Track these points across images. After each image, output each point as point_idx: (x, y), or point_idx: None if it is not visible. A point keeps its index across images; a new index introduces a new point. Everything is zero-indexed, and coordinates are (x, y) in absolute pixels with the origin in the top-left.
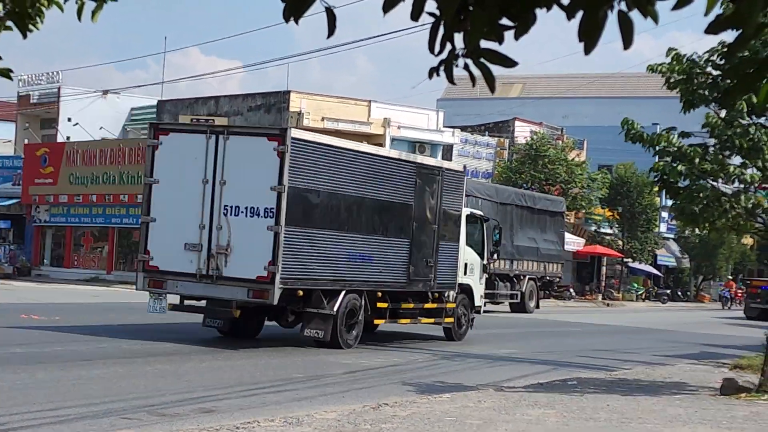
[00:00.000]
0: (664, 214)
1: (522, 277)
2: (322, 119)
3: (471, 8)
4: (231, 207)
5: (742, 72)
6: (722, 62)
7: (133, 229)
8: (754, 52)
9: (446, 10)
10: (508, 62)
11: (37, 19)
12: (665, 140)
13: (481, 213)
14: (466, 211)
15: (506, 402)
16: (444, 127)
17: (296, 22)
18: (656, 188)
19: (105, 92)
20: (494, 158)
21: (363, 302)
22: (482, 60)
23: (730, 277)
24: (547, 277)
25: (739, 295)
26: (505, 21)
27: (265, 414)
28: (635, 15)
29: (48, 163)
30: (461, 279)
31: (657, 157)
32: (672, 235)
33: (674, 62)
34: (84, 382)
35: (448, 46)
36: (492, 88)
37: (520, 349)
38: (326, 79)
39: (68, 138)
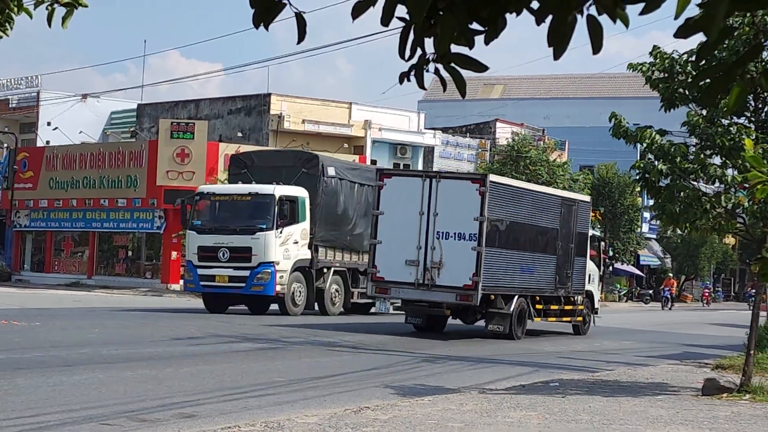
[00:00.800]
0: (646, 214)
1: None
2: (303, 122)
3: (441, 13)
4: (442, 233)
5: (715, 74)
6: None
7: (113, 233)
8: (735, 52)
9: (416, 15)
10: (479, 67)
11: (7, 25)
12: (648, 137)
13: (599, 233)
14: (590, 233)
15: (488, 404)
16: (425, 128)
17: (266, 28)
18: (638, 188)
19: (84, 96)
20: (476, 160)
21: (527, 304)
22: (453, 65)
23: (670, 275)
24: None
25: (705, 295)
26: (475, 25)
27: (246, 418)
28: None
29: (28, 168)
30: (586, 286)
31: (640, 155)
32: (654, 236)
33: (656, 60)
34: (64, 388)
35: (419, 51)
36: (462, 93)
37: (501, 350)
38: (307, 81)
39: (48, 142)
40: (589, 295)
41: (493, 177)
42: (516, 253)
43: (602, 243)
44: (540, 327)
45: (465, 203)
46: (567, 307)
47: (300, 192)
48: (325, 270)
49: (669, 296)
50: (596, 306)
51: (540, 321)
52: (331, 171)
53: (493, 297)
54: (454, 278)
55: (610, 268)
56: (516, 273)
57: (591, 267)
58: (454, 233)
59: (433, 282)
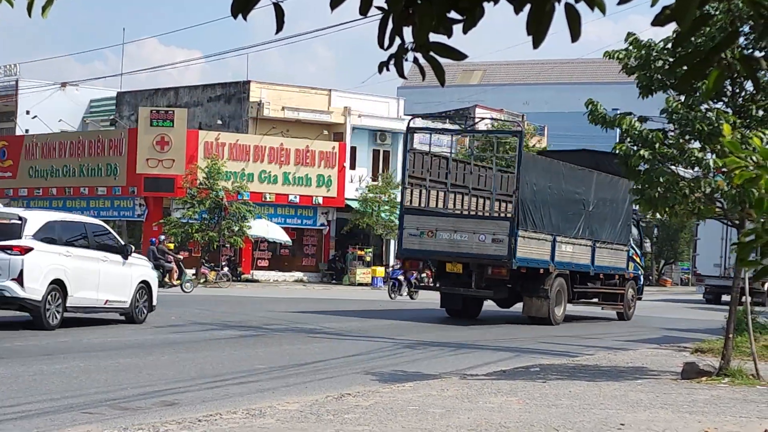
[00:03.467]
0: None
1: None
2: (283, 109)
3: (419, 2)
4: None
5: (692, 61)
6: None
7: None
8: (710, 38)
9: (394, 4)
10: (458, 55)
11: None
12: (627, 124)
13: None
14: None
15: (469, 390)
16: (404, 115)
17: (244, 18)
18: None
19: (64, 84)
20: (455, 146)
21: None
22: (432, 53)
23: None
24: None
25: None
26: (453, 14)
27: (228, 406)
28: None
29: (7, 157)
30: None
31: (619, 138)
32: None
33: (632, 48)
34: (45, 376)
35: (398, 40)
36: (442, 82)
37: (481, 336)
38: (286, 68)
39: (27, 131)
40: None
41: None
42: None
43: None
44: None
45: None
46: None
47: None
48: None
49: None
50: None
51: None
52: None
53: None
54: None
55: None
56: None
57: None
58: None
59: None
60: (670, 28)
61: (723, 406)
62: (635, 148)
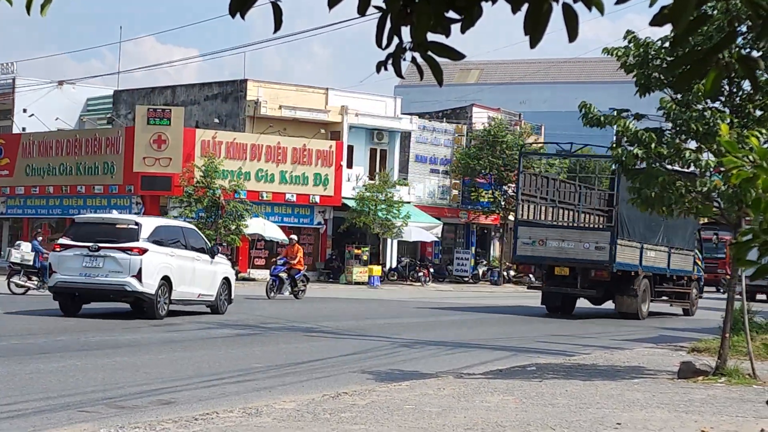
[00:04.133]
0: None
1: None
2: (280, 107)
3: (417, 1)
4: None
5: (691, 60)
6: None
7: None
8: (708, 37)
9: (392, 3)
10: (456, 55)
11: None
12: (620, 125)
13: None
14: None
15: (465, 389)
16: (402, 114)
17: (242, 17)
18: (613, 167)
19: (60, 83)
20: (452, 145)
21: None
22: (430, 53)
23: None
24: None
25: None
26: (451, 14)
27: (225, 404)
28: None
29: (4, 155)
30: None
31: (617, 140)
32: None
33: (631, 45)
34: (41, 375)
35: (396, 40)
36: (440, 82)
37: (479, 335)
38: (284, 66)
39: (24, 129)
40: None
41: None
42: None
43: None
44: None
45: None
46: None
47: None
48: None
49: None
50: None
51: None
52: None
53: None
54: None
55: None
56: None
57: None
58: None
59: None
60: (668, 27)
61: (719, 406)
62: (629, 147)
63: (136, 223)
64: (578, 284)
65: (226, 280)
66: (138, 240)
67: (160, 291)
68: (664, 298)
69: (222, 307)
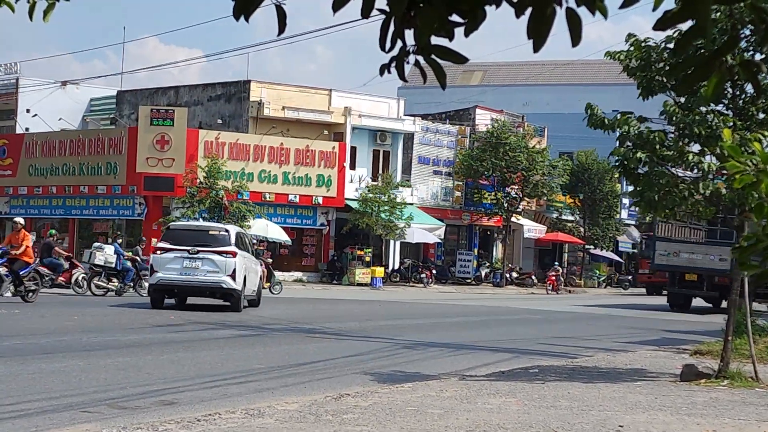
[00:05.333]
0: (626, 201)
1: None
2: (283, 108)
3: (421, 5)
4: None
5: (694, 64)
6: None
7: (93, 220)
8: (711, 41)
9: (396, 6)
10: (459, 58)
11: None
12: (624, 126)
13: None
14: None
15: (468, 391)
16: (405, 115)
17: (246, 20)
18: (617, 174)
19: (64, 83)
20: (455, 146)
21: None
22: (433, 56)
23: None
24: None
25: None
26: (455, 17)
27: (227, 405)
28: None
29: (7, 155)
30: None
31: (619, 141)
32: (633, 222)
33: (633, 49)
34: (44, 375)
35: (399, 43)
36: (443, 85)
37: (481, 337)
38: (287, 67)
39: (27, 129)
40: None
41: None
42: None
43: None
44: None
45: None
46: None
47: None
48: None
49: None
50: None
51: None
52: None
53: None
54: None
55: None
56: None
57: None
58: None
59: None
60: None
61: (722, 409)
62: (633, 150)
63: (227, 230)
64: (704, 288)
65: (260, 279)
66: (231, 245)
67: (242, 288)
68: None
69: (259, 301)
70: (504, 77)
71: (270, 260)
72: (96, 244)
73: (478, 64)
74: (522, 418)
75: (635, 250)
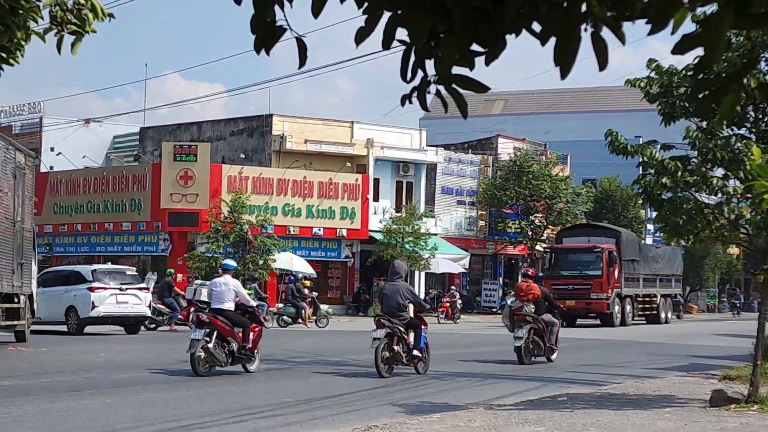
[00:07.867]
0: (650, 227)
1: None
2: (305, 142)
3: (441, 35)
4: None
5: (712, 87)
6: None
7: (118, 257)
8: (732, 64)
9: (417, 37)
10: (480, 87)
11: (17, 53)
12: (647, 155)
13: None
14: None
15: (496, 420)
16: (427, 146)
17: (267, 53)
18: (640, 201)
19: (87, 121)
20: (478, 176)
21: None
22: (454, 86)
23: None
24: None
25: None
26: (475, 47)
27: None
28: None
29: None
30: None
31: (641, 168)
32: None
33: (654, 74)
34: (72, 413)
35: (420, 73)
36: (464, 114)
37: (507, 366)
38: (308, 100)
39: (51, 168)
40: None
41: None
42: None
43: None
44: None
45: None
46: None
47: None
48: None
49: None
50: None
51: None
52: None
53: None
54: None
55: None
56: None
57: None
58: None
59: None
60: (691, 55)
61: None
62: (657, 177)
63: None
64: None
65: None
66: None
67: None
68: None
69: None
70: (525, 105)
71: (315, 293)
72: (198, 281)
73: (499, 93)
74: None
75: None
